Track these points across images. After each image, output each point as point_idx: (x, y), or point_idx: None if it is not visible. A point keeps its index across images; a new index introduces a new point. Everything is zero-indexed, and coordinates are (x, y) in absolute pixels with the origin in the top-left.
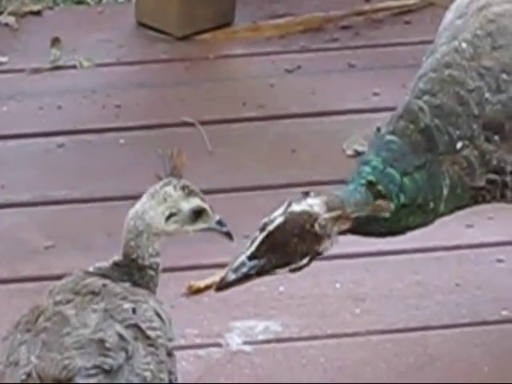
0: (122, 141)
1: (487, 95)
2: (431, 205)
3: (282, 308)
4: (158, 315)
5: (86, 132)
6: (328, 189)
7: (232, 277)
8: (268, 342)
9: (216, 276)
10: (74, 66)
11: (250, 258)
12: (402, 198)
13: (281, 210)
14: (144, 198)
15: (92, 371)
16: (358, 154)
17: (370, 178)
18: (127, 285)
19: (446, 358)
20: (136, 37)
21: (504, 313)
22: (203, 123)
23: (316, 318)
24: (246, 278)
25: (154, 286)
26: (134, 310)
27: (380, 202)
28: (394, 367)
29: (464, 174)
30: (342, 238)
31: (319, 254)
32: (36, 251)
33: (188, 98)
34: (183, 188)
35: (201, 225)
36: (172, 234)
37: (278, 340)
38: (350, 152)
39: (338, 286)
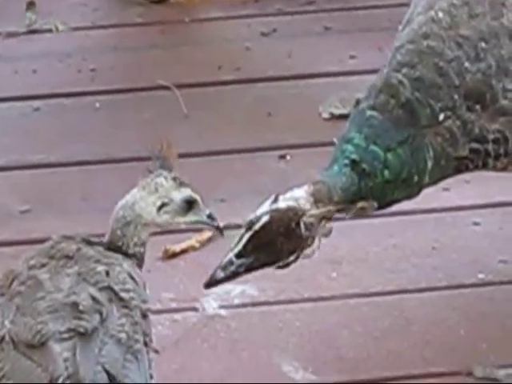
0: (97, 104)
1: (467, 64)
2: (416, 178)
3: (259, 272)
4: (132, 277)
5: (61, 96)
6: (305, 152)
7: (221, 275)
8: (244, 305)
9: (192, 240)
10: (50, 30)
11: (238, 256)
12: (387, 174)
13: (267, 206)
14: (135, 190)
15: (66, 335)
16: (334, 117)
17: (354, 156)
18: (101, 248)
19: (423, 321)
20: (111, 0)
21: (480, 276)
22: (179, 86)
23: (292, 282)
24: (235, 275)
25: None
26: (107, 273)
27: (363, 203)
28: (371, 331)
29: (447, 144)
30: None
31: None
32: (12, 215)
33: (163, 62)
34: (174, 179)
35: (192, 217)
36: (162, 226)
37: (254, 304)
38: (326, 115)
39: None
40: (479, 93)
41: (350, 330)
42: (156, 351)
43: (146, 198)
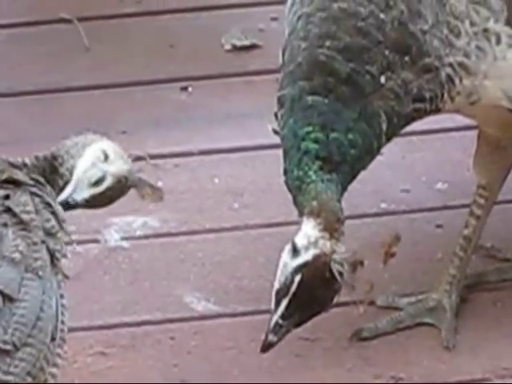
0: None
1: (382, 16)
2: (375, 144)
3: (160, 203)
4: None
5: None
6: (206, 84)
7: (274, 339)
8: (146, 237)
9: None
10: None
11: (283, 318)
12: (354, 153)
13: (287, 257)
14: (87, 161)
15: None
16: (236, 48)
17: (322, 154)
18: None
19: None
20: None
21: (383, 205)
22: (81, 20)
23: (194, 213)
24: (287, 333)
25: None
26: (7, 196)
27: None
28: (273, 261)
29: (395, 104)
30: (218, 133)
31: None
32: None
33: None
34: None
35: None
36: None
37: (156, 235)
38: (228, 47)
39: (216, 180)
40: (404, 45)
41: (251, 260)
42: (65, 276)
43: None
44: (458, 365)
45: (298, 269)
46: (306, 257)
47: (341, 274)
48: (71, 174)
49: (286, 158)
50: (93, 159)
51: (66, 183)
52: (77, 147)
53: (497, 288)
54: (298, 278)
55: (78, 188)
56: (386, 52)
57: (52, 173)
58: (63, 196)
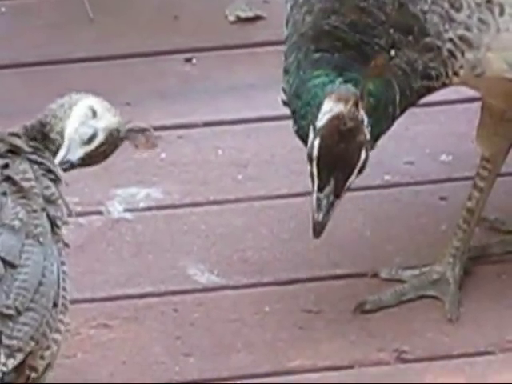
0: (3, 9)
1: None
2: (390, 109)
3: (164, 175)
4: (35, 163)
5: None
6: (210, 55)
7: (320, 216)
8: (149, 209)
9: None
10: None
11: (320, 189)
12: (372, 101)
13: (310, 137)
14: (76, 121)
15: None
16: (240, 19)
17: (339, 80)
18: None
19: (329, 223)
20: None
21: (387, 177)
22: None
23: (198, 185)
24: (331, 205)
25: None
26: (6, 165)
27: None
28: (276, 233)
29: (404, 78)
30: (222, 105)
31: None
32: None
33: None
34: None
35: None
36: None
37: (160, 207)
38: (232, 18)
39: (220, 152)
40: (405, 24)
41: (255, 232)
42: (66, 244)
43: (79, 127)
44: (462, 337)
45: (316, 134)
46: (320, 122)
47: (357, 127)
48: (62, 137)
49: (296, 108)
50: (81, 118)
51: (59, 147)
52: (63, 108)
53: (501, 260)
54: (316, 142)
55: (71, 149)
56: (391, 31)
57: (43, 140)
58: (58, 159)
